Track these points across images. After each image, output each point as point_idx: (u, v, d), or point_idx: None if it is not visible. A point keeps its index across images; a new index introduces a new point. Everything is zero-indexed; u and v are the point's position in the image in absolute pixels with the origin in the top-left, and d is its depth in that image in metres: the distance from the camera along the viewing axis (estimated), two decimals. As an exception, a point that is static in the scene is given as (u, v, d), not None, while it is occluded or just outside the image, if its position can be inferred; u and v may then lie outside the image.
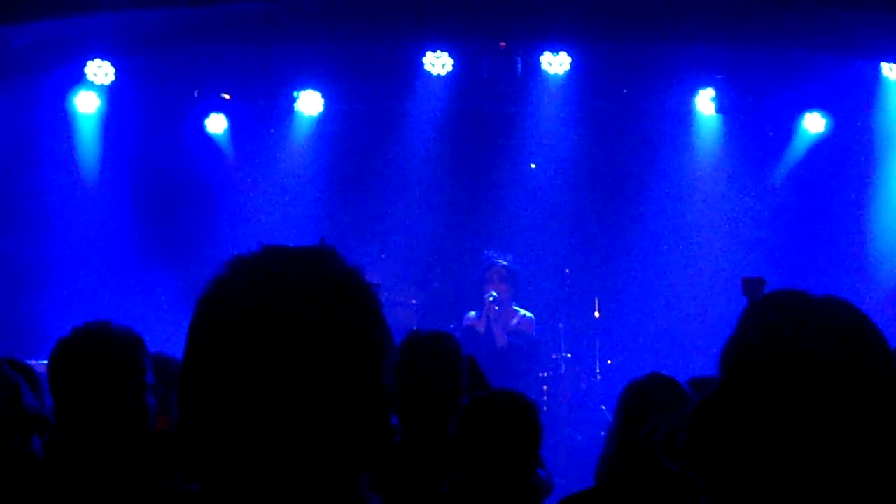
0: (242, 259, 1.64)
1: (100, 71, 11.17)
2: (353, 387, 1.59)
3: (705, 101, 11.88)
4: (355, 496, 1.63)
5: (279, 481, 1.56)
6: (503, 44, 11.41)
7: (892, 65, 11.15)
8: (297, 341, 1.55)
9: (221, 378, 1.56)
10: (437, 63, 11.42)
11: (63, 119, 11.56)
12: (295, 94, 12.03)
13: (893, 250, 11.38)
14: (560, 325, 11.43)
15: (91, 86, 11.34)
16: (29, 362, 3.95)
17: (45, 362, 3.37)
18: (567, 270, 11.91)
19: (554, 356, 11.33)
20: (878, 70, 11.28)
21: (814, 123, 11.86)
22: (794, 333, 1.91)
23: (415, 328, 11.14)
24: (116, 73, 11.22)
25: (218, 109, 12.17)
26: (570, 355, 11.37)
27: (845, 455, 1.84)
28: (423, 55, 11.41)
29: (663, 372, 4.13)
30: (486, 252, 11.03)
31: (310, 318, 1.56)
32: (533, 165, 12.46)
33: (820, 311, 1.95)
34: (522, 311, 10.83)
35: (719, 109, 11.92)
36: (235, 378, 1.55)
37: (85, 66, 11.16)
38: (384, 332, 1.66)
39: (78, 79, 11.29)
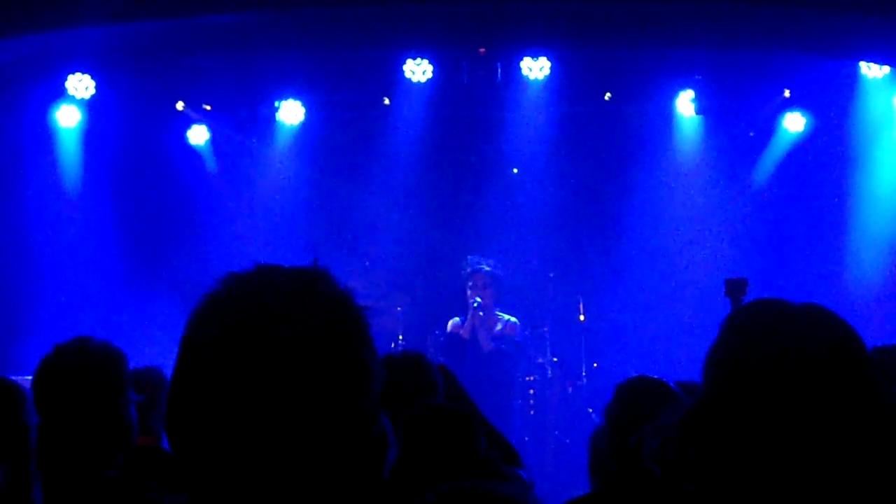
0: (236, 276, 1.66)
1: (80, 85, 11.14)
2: (339, 407, 1.61)
3: (685, 103, 11.93)
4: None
5: (266, 495, 1.57)
6: (483, 50, 11.42)
7: (870, 64, 11.21)
8: (287, 360, 1.57)
9: (212, 392, 1.58)
10: (418, 70, 11.42)
11: (45, 134, 11.53)
12: (276, 103, 12.04)
13: (874, 248, 11.43)
14: (545, 329, 11.44)
15: (72, 100, 11.32)
16: (15, 378, 3.94)
17: (31, 377, 3.37)
18: (551, 274, 11.95)
19: (540, 360, 11.34)
20: (856, 69, 11.34)
21: (794, 123, 11.92)
22: (775, 342, 1.95)
23: (399, 336, 11.23)
24: (97, 87, 11.18)
25: (199, 121, 12.17)
26: (555, 359, 11.38)
27: (829, 458, 1.88)
28: (404, 62, 11.40)
29: (650, 373, 4.12)
30: (469, 257, 11.03)
31: (301, 338, 1.58)
32: (515, 170, 12.50)
33: (801, 319, 1.99)
34: (507, 316, 10.83)
35: (699, 111, 11.96)
36: (225, 393, 1.57)
37: (65, 80, 11.13)
38: (372, 356, 1.68)
39: (59, 93, 11.26)
